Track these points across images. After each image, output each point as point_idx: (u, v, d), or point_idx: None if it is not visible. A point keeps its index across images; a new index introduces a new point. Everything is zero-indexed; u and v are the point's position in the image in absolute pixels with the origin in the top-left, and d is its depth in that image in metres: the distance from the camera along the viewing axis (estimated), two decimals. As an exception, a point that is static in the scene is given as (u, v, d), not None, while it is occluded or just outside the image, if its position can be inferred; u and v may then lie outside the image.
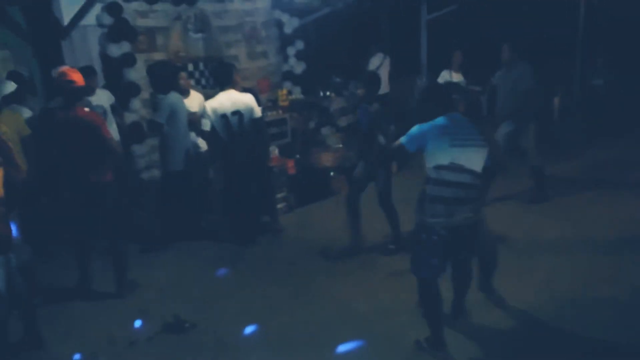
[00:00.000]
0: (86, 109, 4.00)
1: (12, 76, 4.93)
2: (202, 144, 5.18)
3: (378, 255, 4.53)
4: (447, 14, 8.64)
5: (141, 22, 6.18)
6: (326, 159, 6.30)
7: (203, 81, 6.87)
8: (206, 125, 4.57)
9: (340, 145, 6.44)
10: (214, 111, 4.54)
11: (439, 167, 2.90)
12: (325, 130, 6.88)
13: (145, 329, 3.60)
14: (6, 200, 3.09)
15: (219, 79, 4.70)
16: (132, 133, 5.77)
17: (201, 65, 6.86)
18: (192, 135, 5.08)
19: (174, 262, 4.68)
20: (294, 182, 5.93)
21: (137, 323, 3.68)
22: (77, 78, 3.79)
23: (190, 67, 6.67)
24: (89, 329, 3.66)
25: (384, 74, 7.49)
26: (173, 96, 4.62)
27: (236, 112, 4.58)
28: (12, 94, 4.55)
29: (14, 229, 3.25)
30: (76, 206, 3.92)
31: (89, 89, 4.91)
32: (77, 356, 3.34)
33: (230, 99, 4.59)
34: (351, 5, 7.54)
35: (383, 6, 7.49)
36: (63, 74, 3.78)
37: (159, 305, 3.90)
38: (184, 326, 3.58)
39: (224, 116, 4.54)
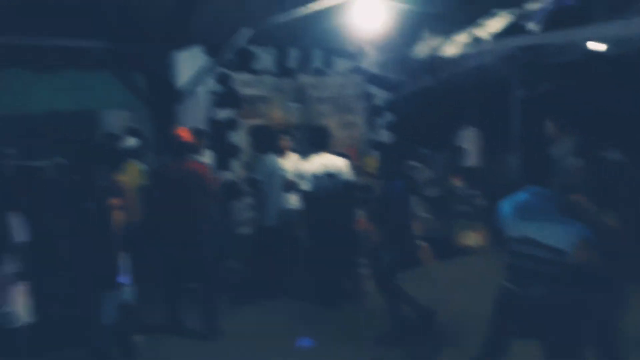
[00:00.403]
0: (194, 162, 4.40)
1: (133, 132, 5.54)
2: (294, 203, 5.41)
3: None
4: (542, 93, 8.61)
5: (247, 91, 6.78)
6: (414, 228, 6.29)
7: (295, 146, 7.28)
8: (302, 184, 4.82)
9: (428, 215, 6.43)
10: (309, 172, 4.79)
11: (512, 239, 2.95)
12: (414, 200, 6.92)
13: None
14: (120, 241, 3.43)
15: (315, 142, 4.97)
16: (230, 190, 6.17)
17: (295, 132, 7.30)
18: (285, 194, 5.34)
19: (260, 315, 4.78)
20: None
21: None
22: (187, 135, 4.24)
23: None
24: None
25: (472, 148, 7.54)
26: (271, 157, 4.96)
27: (330, 174, 4.80)
28: (133, 149, 5.12)
29: (122, 268, 3.57)
30: (177, 250, 4.22)
31: (199, 148, 5.39)
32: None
33: (326, 161, 4.83)
34: (441, 82, 7.79)
35: (474, 84, 7.66)
36: (176, 132, 4.25)
37: (242, 354, 3.99)
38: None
39: (317, 177, 4.77)
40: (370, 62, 7.52)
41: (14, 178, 4.61)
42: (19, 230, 3.30)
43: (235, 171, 6.38)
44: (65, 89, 6.40)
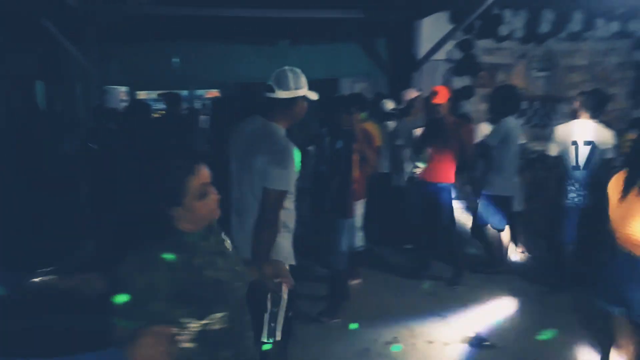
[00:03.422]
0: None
1: (385, 96, 5.81)
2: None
3: None
4: None
5: (486, 59, 6.46)
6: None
7: (536, 120, 6.68)
8: (552, 149, 4.34)
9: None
10: (564, 135, 4.28)
11: None
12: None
13: (444, 334, 3.64)
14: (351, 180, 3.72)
15: (588, 104, 4.37)
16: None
17: (537, 104, 6.68)
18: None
19: (483, 284, 4.57)
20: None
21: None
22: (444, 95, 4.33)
23: (525, 105, 6.56)
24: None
25: None
26: (510, 121, 4.61)
27: (589, 143, 4.22)
28: (386, 111, 5.40)
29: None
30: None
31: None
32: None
33: (587, 127, 4.26)
34: None
35: None
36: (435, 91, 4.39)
37: (458, 318, 3.90)
38: (482, 343, 3.47)
39: (574, 143, 4.23)
40: (644, 24, 6.36)
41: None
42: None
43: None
44: (319, 59, 7.09)
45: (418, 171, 4.51)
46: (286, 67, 2.45)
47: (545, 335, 3.64)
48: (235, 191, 2.50)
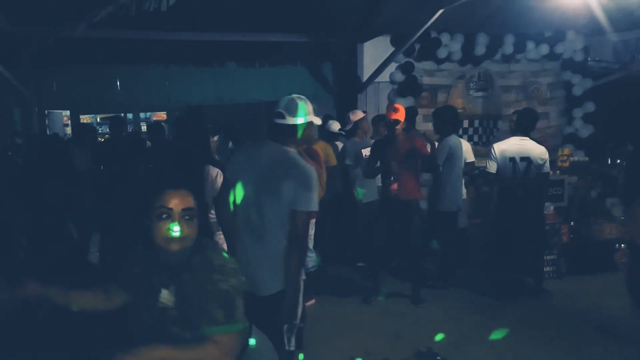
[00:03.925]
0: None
1: (332, 118, 5.92)
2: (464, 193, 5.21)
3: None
4: None
5: (427, 80, 6.72)
6: (609, 232, 5.55)
7: (476, 138, 6.98)
8: (491, 167, 4.56)
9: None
10: (502, 153, 4.51)
11: None
12: (610, 201, 6.09)
13: (398, 352, 3.69)
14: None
15: (521, 123, 4.63)
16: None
17: (476, 123, 6.99)
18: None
19: (435, 300, 4.69)
20: (567, 248, 5.37)
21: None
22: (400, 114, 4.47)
23: (466, 123, 6.87)
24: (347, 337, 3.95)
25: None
26: (453, 139, 4.81)
27: (525, 159, 4.46)
28: (335, 132, 5.50)
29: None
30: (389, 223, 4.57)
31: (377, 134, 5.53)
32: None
33: (522, 145, 4.50)
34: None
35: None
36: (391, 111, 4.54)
37: (413, 334, 3.97)
38: (435, 358, 3.54)
39: (512, 160, 4.47)
40: (571, 46, 6.82)
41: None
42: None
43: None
44: (266, 81, 7.15)
45: (394, 187, 4.51)
46: (294, 95, 2.64)
47: (496, 335, 3.81)
48: (251, 214, 2.56)
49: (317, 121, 2.71)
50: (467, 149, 5.14)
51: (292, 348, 2.61)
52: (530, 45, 6.75)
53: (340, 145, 5.51)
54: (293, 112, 2.58)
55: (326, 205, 4.56)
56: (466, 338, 3.95)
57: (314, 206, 2.52)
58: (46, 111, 6.98)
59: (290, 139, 2.61)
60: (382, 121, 5.42)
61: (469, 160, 5.13)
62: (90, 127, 6.08)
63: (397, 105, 4.55)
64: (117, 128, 6.05)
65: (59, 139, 5.58)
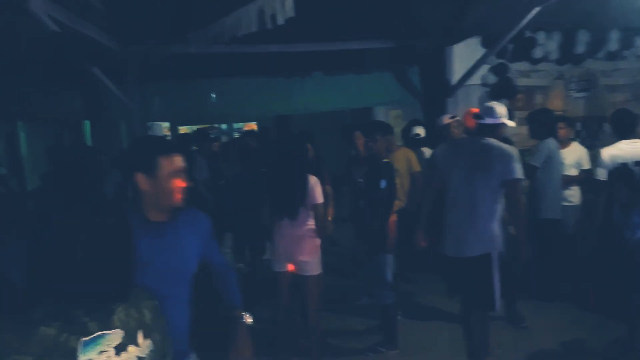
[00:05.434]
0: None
1: (419, 123, 5.82)
2: (574, 198, 4.83)
3: None
4: None
5: (522, 82, 6.38)
6: None
7: (578, 141, 6.48)
8: (601, 174, 4.17)
9: None
10: (613, 159, 4.12)
11: None
12: None
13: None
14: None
15: (617, 126, 4.26)
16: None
17: (578, 126, 6.51)
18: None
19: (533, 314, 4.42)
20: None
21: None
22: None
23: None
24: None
25: None
26: (550, 142, 4.51)
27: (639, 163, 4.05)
28: (422, 138, 5.42)
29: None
30: None
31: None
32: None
33: (635, 148, 4.10)
34: None
35: None
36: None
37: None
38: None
39: (624, 165, 4.07)
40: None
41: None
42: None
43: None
44: (351, 89, 7.19)
45: None
46: (493, 102, 3.53)
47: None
48: (462, 191, 3.28)
49: (511, 124, 3.48)
50: (582, 155, 4.98)
51: (498, 309, 3.31)
52: (639, 41, 6.18)
53: (427, 151, 5.37)
54: (492, 115, 3.35)
55: (409, 214, 4.46)
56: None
57: (522, 174, 3.26)
58: (148, 123, 7.48)
59: (491, 134, 3.36)
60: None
61: (585, 167, 4.94)
62: (206, 135, 6.28)
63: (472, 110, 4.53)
64: (282, 129, 6.25)
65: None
